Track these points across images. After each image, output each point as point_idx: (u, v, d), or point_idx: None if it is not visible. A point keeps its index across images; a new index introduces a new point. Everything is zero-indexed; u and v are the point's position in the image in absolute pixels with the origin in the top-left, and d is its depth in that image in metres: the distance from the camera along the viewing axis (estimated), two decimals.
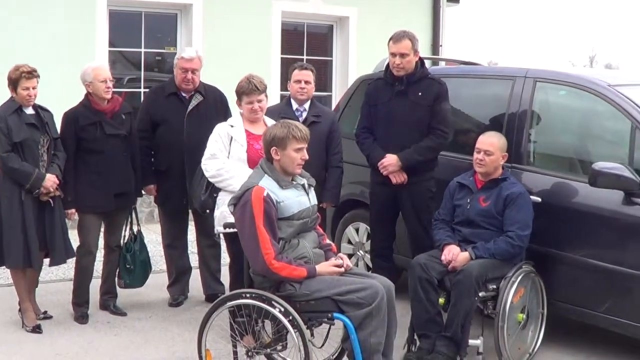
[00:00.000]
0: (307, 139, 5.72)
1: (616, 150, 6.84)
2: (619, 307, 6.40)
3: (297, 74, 7.61)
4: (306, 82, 7.56)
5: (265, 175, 5.62)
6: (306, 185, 5.82)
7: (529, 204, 6.62)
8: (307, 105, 7.62)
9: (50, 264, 7.21)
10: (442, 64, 10.65)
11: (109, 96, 7.26)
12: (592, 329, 6.88)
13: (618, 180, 6.19)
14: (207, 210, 6.95)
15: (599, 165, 6.26)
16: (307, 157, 5.77)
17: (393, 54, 7.11)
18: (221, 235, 7.02)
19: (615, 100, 6.62)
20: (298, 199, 5.68)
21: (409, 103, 7.13)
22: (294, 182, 5.72)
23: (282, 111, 7.44)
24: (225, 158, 6.68)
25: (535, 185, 6.87)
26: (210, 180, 6.75)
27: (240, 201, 5.54)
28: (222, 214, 6.48)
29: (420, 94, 7.13)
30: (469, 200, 6.74)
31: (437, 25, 15.59)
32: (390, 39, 7.16)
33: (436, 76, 7.36)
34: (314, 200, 5.89)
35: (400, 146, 7.12)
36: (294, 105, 7.60)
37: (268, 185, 5.53)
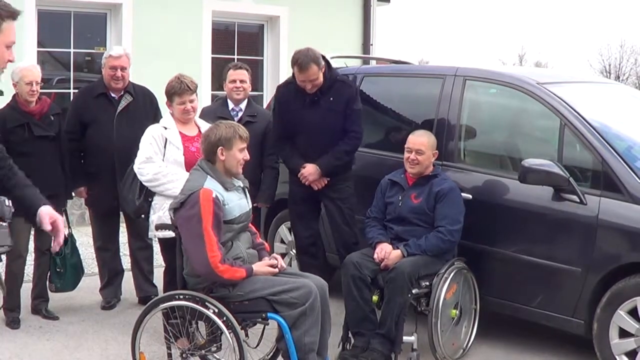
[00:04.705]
0: (248, 140, 5.74)
1: (546, 147, 6.94)
2: (550, 301, 6.49)
3: (232, 74, 7.61)
4: (241, 81, 7.58)
5: (208, 176, 5.57)
6: (244, 188, 5.82)
7: (460, 199, 6.68)
8: (243, 105, 7.62)
9: None
10: (373, 63, 10.70)
11: (33, 99, 7.14)
12: (525, 323, 6.97)
13: (547, 177, 6.27)
14: (142, 216, 6.88)
15: (529, 162, 6.33)
16: (248, 157, 5.76)
17: (302, 81, 6.95)
18: (155, 239, 6.96)
19: (545, 98, 6.71)
20: (239, 202, 5.67)
21: (322, 111, 7.04)
22: (235, 184, 5.71)
23: (218, 111, 7.42)
24: (161, 161, 6.61)
25: (466, 182, 6.94)
26: (146, 184, 6.66)
27: (185, 204, 5.46)
28: (160, 219, 6.40)
29: (332, 99, 7.05)
30: (400, 198, 6.78)
31: (368, 24, 15.68)
32: (295, 64, 6.93)
33: (344, 77, 7.36)
34: (250, 203, 5.89)
35: (319, 152, 7.09)
36: (230, 105, 7.60)
37: (213, 186, 5.49)
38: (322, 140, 7.09)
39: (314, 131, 7.08)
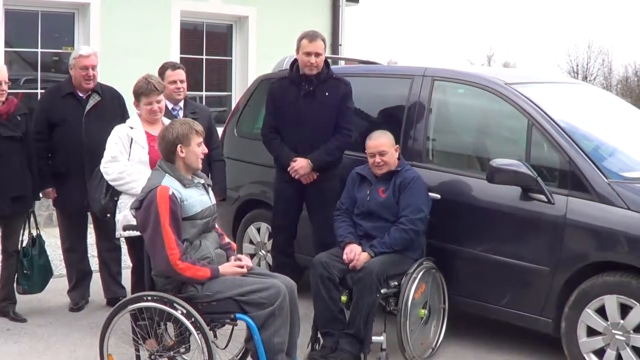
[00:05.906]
0: (204, 133, 5.80)
1: (513, 147, 6.97)
2: (518, 300, 6.53)
3: (171, 74, 7.61)
4: (181, 82, 7.62)
5: (167, 175, 5.57)
6: (205, 185, 5.81)
7: (422, 188, 6.70)
8: (181, 104, 7.67)
9: None
10: (342, 63, 10.70)
11: (2, 99, 7.09)
12: (493, 322, 7.00)
13: (515, 176, 6.30)
14: (108, 215, 6.85)
15: (497, 162, 6.35)
16: (206, 150, 5.81)
17: (308, 53, 7.06)
18: (122, 239, 6.94)
19: (512, 98, 6.74)
20: (200, 198, 5.66)
21: (317, 103, 7.13)
22: (195, 181, 5.70)
23: None
24: (126, 160, 6.61)
25: (434, 182, 6.94)
26: (111, 183, 6.66)
27: (143, 203, 5.48)
28: (125, 217, 6.39)
29: (327, 94, 7.15)
30: (368, 192, 6.79)
31: (337, 24, 15.72)
32: (304, 37, 7.12)
33: (340, 76, 7.39)
34: (213, 199, 5.90)
35: (309, 146, 7.15)
36: (170, 105, 7.56)
37: (171, 184, 5.49)
38: (314, 133, 7.15)
39: (307, 123, 7.14)
